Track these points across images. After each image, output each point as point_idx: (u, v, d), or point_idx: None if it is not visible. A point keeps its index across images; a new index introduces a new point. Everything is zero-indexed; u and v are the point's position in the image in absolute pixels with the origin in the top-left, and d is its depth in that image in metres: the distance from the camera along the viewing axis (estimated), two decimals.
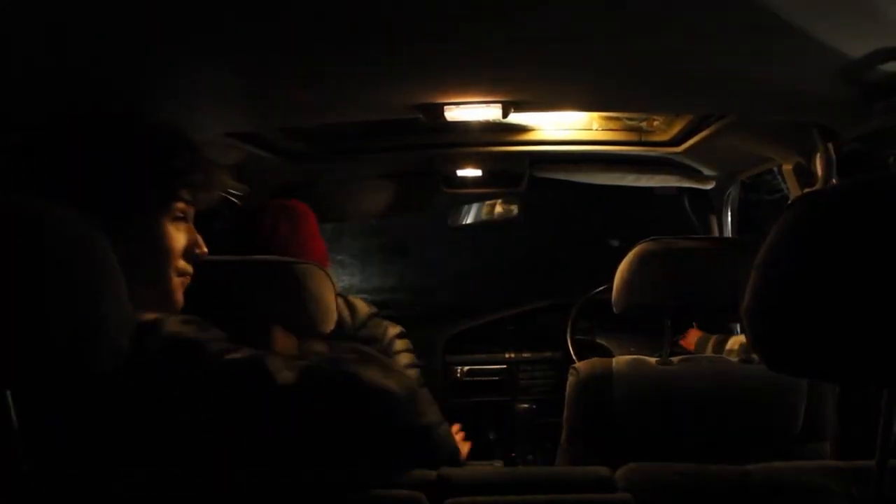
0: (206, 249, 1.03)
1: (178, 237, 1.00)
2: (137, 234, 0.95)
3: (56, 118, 0.99)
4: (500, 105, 1.42)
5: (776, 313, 0.54)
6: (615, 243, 3.66)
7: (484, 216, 2.86)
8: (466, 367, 2.77)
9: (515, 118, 1.87)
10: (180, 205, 0.99)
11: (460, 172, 2.42)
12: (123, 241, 0.91)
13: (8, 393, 0.61)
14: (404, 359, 1.62)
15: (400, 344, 1.63)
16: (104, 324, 0.62)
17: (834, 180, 1.49)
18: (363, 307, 1.59)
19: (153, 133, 0.99)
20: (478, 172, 2.44)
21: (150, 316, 0.88)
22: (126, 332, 0.65)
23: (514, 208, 2.74)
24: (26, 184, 0.90)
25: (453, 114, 1.45)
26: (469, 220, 2.91)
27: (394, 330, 1.62)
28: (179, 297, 1.01)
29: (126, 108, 1.10)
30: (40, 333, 0.58)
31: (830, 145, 1.45)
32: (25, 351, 0.58)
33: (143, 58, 1.00)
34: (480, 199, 2.83)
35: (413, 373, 1.61)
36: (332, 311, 1.37)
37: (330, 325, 1.37)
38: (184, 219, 1.01)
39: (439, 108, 1.42)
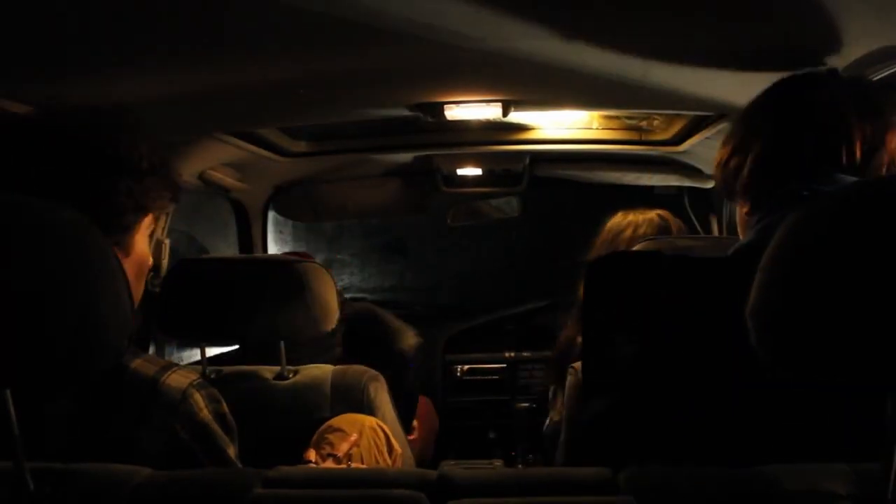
0: (151, 262, 1.00)
1: (148, 252, 0.97)
2: (122, 250, 0.92)
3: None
4: (500, 104, 1.42)
5: (782, 315, 0.54)
6: None
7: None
8: (466, 367, 2.77)
9: (515, 117, 1.87)
10: (149, 217, 0.95)
11: (460, 171, 2.42)
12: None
13: (7, 392, 0.61)
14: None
15: None
16: (104, 324, 0.62)
17: None
18: None
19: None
20: (478, 171, 2.43)
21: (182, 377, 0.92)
22: (126, 332, 0.64)
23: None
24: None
25: (454, 113, 1.45)
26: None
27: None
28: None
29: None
30: (40, 333, 0.58)
31: None
32: (25, 350, 0.58)
33: (140, 53, 1.00)
34: (480, 198, 2.83)
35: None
36: (333, 310, 1.37)
37: (331, 325, 1.37)
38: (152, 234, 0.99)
39: (440, 107, 1.42)
